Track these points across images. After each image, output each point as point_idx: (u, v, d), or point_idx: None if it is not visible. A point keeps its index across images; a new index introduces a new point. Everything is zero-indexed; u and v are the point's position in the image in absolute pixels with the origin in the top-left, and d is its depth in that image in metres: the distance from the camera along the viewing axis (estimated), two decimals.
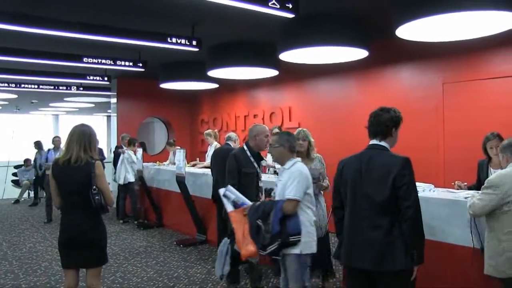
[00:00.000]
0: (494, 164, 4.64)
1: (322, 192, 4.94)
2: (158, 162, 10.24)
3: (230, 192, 3.97)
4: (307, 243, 3.65)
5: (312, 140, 4.85)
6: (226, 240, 4.34)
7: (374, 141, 3.11)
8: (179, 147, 9.74)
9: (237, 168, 4.62)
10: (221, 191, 4.05)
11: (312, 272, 4.25)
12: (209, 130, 8.40)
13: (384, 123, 3.07)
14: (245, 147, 4.82)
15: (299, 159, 3.92)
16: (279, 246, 3.54)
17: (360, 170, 3.02)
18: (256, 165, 4.75)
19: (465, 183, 4.82)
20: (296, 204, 3.61)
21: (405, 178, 2.83)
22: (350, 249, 3.01)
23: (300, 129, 4.93)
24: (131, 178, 9.58)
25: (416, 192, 2.87)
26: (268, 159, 6.87)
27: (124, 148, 9.84)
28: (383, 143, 3.08)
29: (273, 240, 3.51)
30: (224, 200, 3.96)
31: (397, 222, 2.84)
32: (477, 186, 4.52)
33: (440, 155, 6.81)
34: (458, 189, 4.71)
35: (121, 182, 9.64)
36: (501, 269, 3.33)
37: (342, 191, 3.13)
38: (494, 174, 3.43)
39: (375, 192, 2.90)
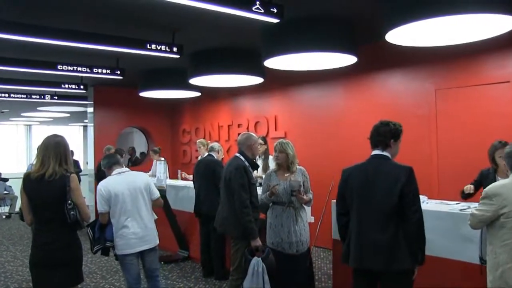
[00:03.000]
0: (501, 172, 4.65)
1: (305, 206, 4.92)
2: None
3: None
4: (121, 245, 4.50)
5: (291, 152, 4.82)
6: (257, 260, 4.41)
7: (376, 151, 3.53)
8: (163, 158, 9.66)
9: (248, 181, 4.66)
10: None
11: None
12: (203, 139, 8.34)
13: (383, 134, 3.49)
14: (241, 157, 4.83)
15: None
16: (102, 249, 4.59)
17: (367, 178, 3.44)
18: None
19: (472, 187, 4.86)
20: (100, 216, 4.54)
21: (412, 186, 3.29)
22: (359, 251, 3.43)
23: (279, 141, 4.93)
24: None
25: (419, 197, 3.32)
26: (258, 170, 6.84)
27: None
28: (385, 153, 3.50)
29: (96, 244, 4.59)
30: None
31: (401, 225, 3.27)
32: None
33: (433, 165, 6.82)
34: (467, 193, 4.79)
35: None
36: (496, 284, 3.32)
37: (347, 199, 3.56)
38: (491, 185, 3.45)
39: (382, 199, 3.32)
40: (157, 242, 4.70)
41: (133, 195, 4.53)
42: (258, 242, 4.53)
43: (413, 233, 3.28)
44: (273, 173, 4.94)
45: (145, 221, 4.57)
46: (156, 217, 4.83)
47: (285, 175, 4.80)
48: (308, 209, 5.39)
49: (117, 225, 4.51)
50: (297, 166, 4.91)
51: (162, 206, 5.22)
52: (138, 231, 4.50)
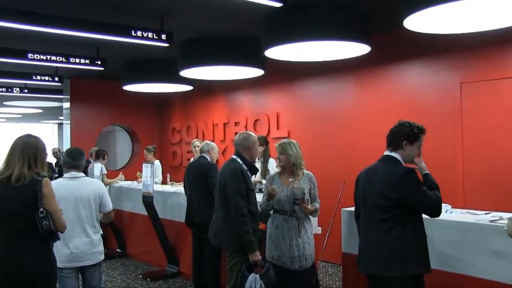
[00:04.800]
0: None
1: (312, 216, 4.91)
2: (120, 174, 10.18)
3: None
4: (59, 257, 4.30)
5: (292, 153, 4.81)
6: (255, 277, 4.40)
7: (386, 152, 3.73)
8: (158, 161, 9.64)
9: (246, 186, 4.64)
10: None
11: None
12: (197, 140, 8.29)
13: (394, 135, 3.67)
14: (238, 159, 4.81)
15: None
16: None
17: (368, 180, 3.72)
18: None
19: None
20: None
21: (407, 189, 3.49)
22: (359, 255, 3.79)
23: (281, 141, 4.93)
24: None
25: (427, 197, 3.49)
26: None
27: (92, 162, 9.76)
28: (394, 154, 3.66)
29: None
30: None
31: (405, 229, 3.49)
32: None
33: (458, 170, 6.79)
34: None
35: None
36: None
37: (358, 201, 3.89)
38: None
39: (379, 202, 3.57)
40: (101, 258, 4.70)
41: (78, 204, 4.52)
42: (257, 256, 4.51)
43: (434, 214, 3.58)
44: (276, 176, 4.93)
45: (88, 233, 4.56)
46: (101, 232, 4.86)
47: (289, 180, 4.77)
48: (314, 219, 5.36)
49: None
50: (304, 171, 4.87)
51: (112, 220, 5.15)
52: (79, 245, 4.50)
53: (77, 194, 4.53)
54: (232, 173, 4.64)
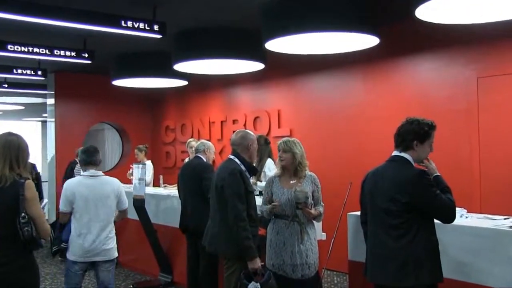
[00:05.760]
0: None
1: (315, 221, 4.90)
2: None
3: None
4: (72, 251, 5.10)
5: (298, 152, 4.80)
6: (256, 285, 4.41)
7: (395, 152, 3.71)
8: (149, 161, 9.62)
9: (245, 188, 4.65)
10: None
11: None
12: (193, 140, 8.27)
13: (403, 135, 3.65)
14: (237, 160, 4.81)
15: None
16: (58, 250, 5.49)
17: (375, 182, 3.70)
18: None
19: None
20: (61, 215, 5.19)
21: (420, 193, 3.47)
22: (369, 264, 3.76)
23: (283, 139, 4.93)
24: None
25: (441, 201, 3.48)
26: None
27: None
28: (403, 155, 3.65)
29: (54, 244, 5.50)
30: None
31: (417, 236, 3.49)
32: None
33: (475, 171, 6.77)
34: None
35: None
36: None
37: (364, 205, 3.87)
38: None
39: (388, 206, 3.55)
40: (115, 255, 5.28)
41: (98, 202, 5.11)
42: (256, 264, 4.50)
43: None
44: (276, 178, 4.91)
45: (105, 231, 5.15)
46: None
47: (291, 182, 4.76)
48: (318, 224, 5.34)
49: (75, 229, 5.09)
50: (307, 172, 4.86)
51: (126, 217, 5.73)
52: (94, 240, 5.07)
53: (97, 193, 5.13)
54: (230, 175, 4.64)
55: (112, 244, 5.21)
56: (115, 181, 5.35)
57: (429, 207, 3.50)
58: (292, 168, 4.83)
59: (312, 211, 4.70)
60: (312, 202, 4.77)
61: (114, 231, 5.29)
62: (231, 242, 4.59)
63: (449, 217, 3.55)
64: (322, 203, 4.90)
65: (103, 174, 5.30)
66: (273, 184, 4.88)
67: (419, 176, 3.51)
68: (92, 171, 5.19)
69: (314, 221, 4.88)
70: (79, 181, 5.20)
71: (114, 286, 5.33)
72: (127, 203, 5.40)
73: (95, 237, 5.05)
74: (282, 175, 4.89)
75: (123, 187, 5.48)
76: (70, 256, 5.10)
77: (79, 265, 5.08)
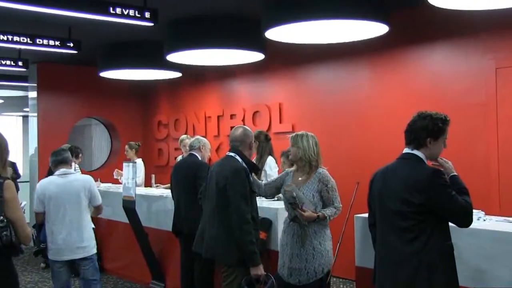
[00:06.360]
0: None
1: (321, 223, 4.86)
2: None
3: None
4: (51, 251, 5.55)
5: (302, 146, 4.84)
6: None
7: (406, 150, 3.69)
8: (140, 159, 9.60)
9: (250, 189, 4.70)
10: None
11: None
12: (185, 137, 8.25)
13: (415, 131, 3.62)
14: (238, 158, 4.80)
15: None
16: (38, 251, 6.26)
17: (385, 182, 3.69)
18: None
19: None
20: (35, 215, 5.69)
21: (434, 194, 3.44)
22: (377, 270, 3.75)
23: (297, 132, 4.99)
24: None
25: (457, 203, 3.45)
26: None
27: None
28: (415, 152, 3.63)
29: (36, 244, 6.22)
30: None
31: (431, 240, 3.46)
32: None
33: (493, 170, 6.77)
34: None
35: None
36: None
37: (372, 207, 3.86)
38: None
39: (400, 207, 3.54)
40: (94, 251, 5.72)
41: (68, 201, 5.54)
42: (260, 271, 4.52)
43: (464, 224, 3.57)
44: (291, 173, 5.03)
45: (80, 228, 5.59)
46: (93, 226, 5.89)
47: (299, 178, 4.83)
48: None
49: (49, 229, 5.53)
50: (320, 169, 4.88)
51: (101, 213, 6.16)
52: (70, 239, 5.50)
53: (67, 192, 5.55)
54: (235, 174, 4.63)
55: (88, 242, 5.63)
56: (86, 178, 5.85)
57: (444, 209, 3.46)
58: (301, 164, 4.87)
59: (306, 213, 4.64)
60: (302, 203, 4.72)
61: (90, 228, 5.73)
62: (233, 247, 4.58)
63: (466, 221, 3.52)
64: (336, 204, 4.87)
65: (74, 172, 5.97)
66: (286, 177, 4.99)
67: (434, 175, 3.48)
68: (63, 170, 5.63)
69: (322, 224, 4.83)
70: (51, 180, 5.65)
71: (99, 279, 5.81)
72: (100, 199, 5.84)
73: (66, 235, 5.47)
74: (296, 171, 4.96)
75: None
76: (50, 256, 5.58)
77: (59, 263, 5.56)
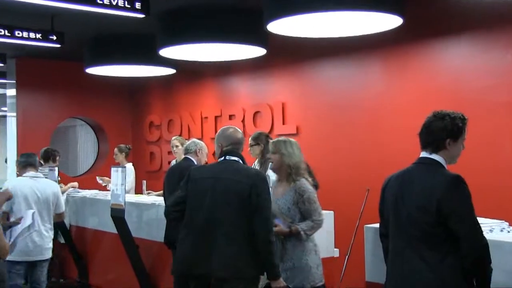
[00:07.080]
0: None
1: (301, 239, 4.86)
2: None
3: None
4: (17, 251, 5.74)
5: (286, 153, 4.83)
6: None
7: (423, 154, 3.65)
8: (130, 164, 9.61)
9: None
10: None
11: None
12: (179, 137, 8.26)
13: (434, 133, 3.58)
14: (242, 163, 4.73)
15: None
16: None
17: (401, 189, 3.65)
18: None
19: None
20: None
21: (453, 203, 3.38)
22: (389, 286, 3.73)
23: (277, 138, 5.02)
24: None
25: (475, 225, 3.38)
26: None
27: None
28: (434, 157, 3.60)
29: None
30: None
31: (450, 253, 3.41)
32: None
33: None
34: None
35: None
36: None
37: (385, 215, 3.82)
38: None
39: (416, 217, 3.51)
40: (50, 255, 6.53)
41: (40, 203, 6.26)
42: (282, 283, 4.49)
43: (472, 270, 3.43)
44: (276, 183, 5.04)
45: (46, 231, 6.37)
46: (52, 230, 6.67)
47: (280, 189, 4.86)
48: (328, 238, 5.32)
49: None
50: (299, 179, 4.86)
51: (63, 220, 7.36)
52: (37, 240, 6.21)
53: (40, 193, 6.27)
54: (264, 181, 4.54)
55: (50, 244, 6.49)
56: (54, 184, 6.74)
57: (457, 222, 3.37)
58: (282, 173, 4.87)
59: (277, 227, 4.66)
60: (299, 215, 4.78)
61: (52, 231, 6.61)
62: (254, 261, 4.48)
63: (476, 247, 3.37)
64: (315, 217, 4.85)
65: (43, 176, 6.62)
66: (272, 188, 4.96)
67: (456, 180, 3.42)
68: (32, 173, 6.36)
69: (304, 238, 4.83)
70: (22, 181, 6.32)
71: (46, 282, 6.60)
72: (63, 207, 6.83)
73: (36, 237, 6.18)
74: (278, 180, 4.97)
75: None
76: (14, 256, 5.78)
77: (20, 265, 6.18)
